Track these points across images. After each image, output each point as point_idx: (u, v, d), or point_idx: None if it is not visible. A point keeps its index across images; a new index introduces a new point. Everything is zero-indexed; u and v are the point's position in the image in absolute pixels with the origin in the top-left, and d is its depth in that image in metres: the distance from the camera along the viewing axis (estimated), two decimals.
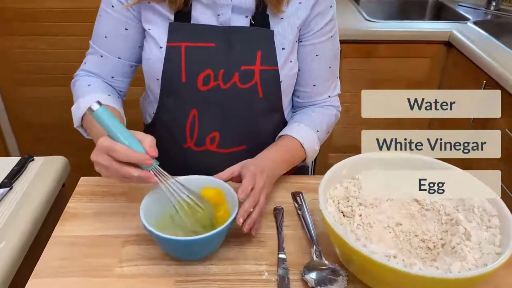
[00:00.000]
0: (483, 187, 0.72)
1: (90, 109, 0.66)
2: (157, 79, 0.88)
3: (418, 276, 0.55)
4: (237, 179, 0.78)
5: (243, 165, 0.78)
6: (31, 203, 0.81)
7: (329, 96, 0.98)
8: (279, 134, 0.93)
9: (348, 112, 1.88)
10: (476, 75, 1.52)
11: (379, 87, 1.82)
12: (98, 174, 0.90)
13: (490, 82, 1.44)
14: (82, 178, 0.90)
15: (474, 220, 0.68)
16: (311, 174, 1.99)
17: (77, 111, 0.85)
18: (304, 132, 0.91)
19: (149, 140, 0.68)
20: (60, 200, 0.89)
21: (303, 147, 0.90)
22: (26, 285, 0.66)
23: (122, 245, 0.74)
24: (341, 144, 1.96)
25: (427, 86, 1.84)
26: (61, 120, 1.85)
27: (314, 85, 0.95)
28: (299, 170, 1.01)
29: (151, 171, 0.68)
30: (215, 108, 0.89)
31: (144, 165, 0.67)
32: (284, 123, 0.98)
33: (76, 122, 0.85)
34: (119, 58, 0.90)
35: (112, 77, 0.92)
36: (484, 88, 1.45)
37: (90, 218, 0.80)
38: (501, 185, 1.33)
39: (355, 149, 2.06)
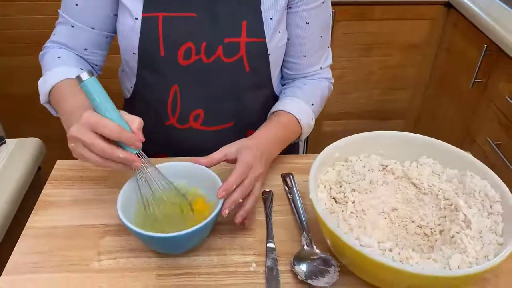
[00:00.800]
0: (484, 168, 0.67)
1: (78, 78, 0.59)
2: (134, 53, 0.80)
3: (414, 274, 0.51)
4: (233, 161, 0.71)
5: (239, 149, 0.70)
6: (4, 190, 0.76)
7: (321, 68, 0.91)
8: (272, 110, 0.86)
9: (342, 79, 1.82)
10: (476, 39, 1.45)
11: (374, 52, 1.75)
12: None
13: (491, 46, 1.37)
14: (58, 162, 0.84)
15: (475, 206, 0.64)
16: (304, 144, 1.95)
17: (43, 85, 0.77)
18: (299, 107, 0.85)
19: (137, 122, 0.63)
20: (36, 185, 0.84)
21: (299, 122, 0.84)
22: None
23: (101, 236, 0.70)
24: (335, 111, 1.90)
25: (425, 51, 1.76)
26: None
27: (304, 56, 0.88)
28: (290, 147, 0.96)
29: (135, 154, 0.62)
30: (198, 84, 0.83)
31: (132, 146, 0.62)
32: (274, 97, 0.92)
33: (42, 98, 0.78)
34: (92, 28, 0.82)
35: (86, 50, 0.85)
36: (485, 53, 1.38)
37: (67, 207, 0.75)
38: (502, 157, 1.30)
39: (350, 116, 2.02)
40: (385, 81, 1.85)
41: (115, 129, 0.59)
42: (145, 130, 0.90)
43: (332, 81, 0.95)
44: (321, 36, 0.87)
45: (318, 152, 0.87)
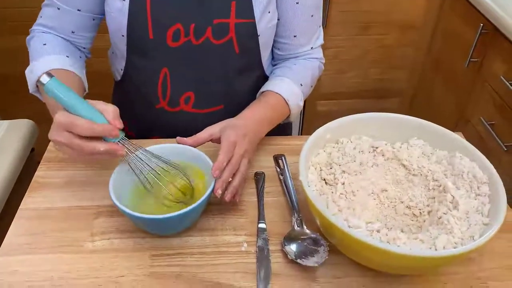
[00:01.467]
0: (473, 150, 0.68)
1: (39, 82, 0.59)
2: (122, 35, 0.80)
3: (401, 254, 0.52)
4: (218, 141, 0.73)
5: (223, 128, 0.71)
6: None
7: (312, 48, 0.90)
8: (261, 90, 0.86)
9: (338, 57, 1.80)
10: (473, 18, 1.44)
11: (370, 31, 1.74)
12: None
13: (487, 25, 1.36)
14: (51, 143, 0.84)
15: (463, 187, 0.65)
16: (299, 125, 1.95)
17: (30, 75, 0.77)
18: (288, 87, 0.85)
19: (111, 111, 0.62)
20: (30, 167, 0.84)
21: (287, 103, 0.84)
22: None
23: (94, 217, 0.71)
24: (330, 91, 1.89)
25: (422, 30, 1.75)
26: None
27: (295, 36, 0.87)
28: (282, 128, 0.96)
29: (118, 143, 0.63)
30: (187, 66, 0.82)
31: (110, 137, 0.61)
32: (265, 79, 0.91)
33: (31, 88, 0.78)
34: (78, 10, 0.81)
35: (73, 32, 0.83)
36: (481, 32, 1.37)
37: (60, 188, 0.75)
38: (495, 137, 1.30)
39: (345, 96, 2.01)
40: (381, 61, 1.83)
41: (85, 125, 0.59)
42: (137, 112, 0.91)
43: (323, 61, 0.95)
44: (312, 16, 0.86)
45: (309, 132, 0.88)
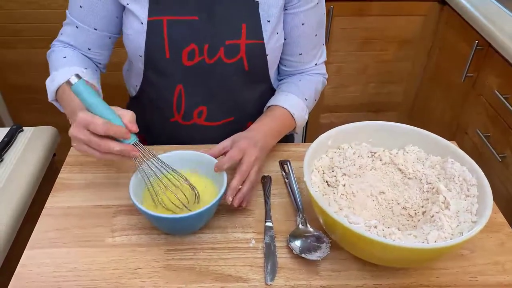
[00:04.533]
0: (463, 155, 0.73)
1: (68, 82, 0.65)
2: (140, 56, 0.86)
3: (395, 246, 0.57)
4: None
5: (234, 139, 0.78)
6: (23, 175, 0.83)
7: (316, 64, 0.97)
8: (268, 104, 0.92)
9: (340, 72, 1.88)
10: (468, 35, 1.51)
11: (370, 47, 1.81)
12: None
13: (482, 42, 1.43)
14: (72, 149, 0.90)
15: (454, 189, 0.70)
16: (303, 135, 2.02)
17: (50, 84, 0.82)
18: (293, 101, 0.91)
19: (129, 115, 0.67)
20: (52, 170, 0.90)
21: (293, 116, 0.90)
22: (22, 256, 0.69)
23: (113, 215, 0.76)
24: (332, 104, 1.96)
25: (419, 46, 1.82)
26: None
27: (300, 54, 0.94)
28: (285, 138, 1.02)
29: (132, 144, 0.68)
30: (201, 83, 0.89)
31: (123, 139, 0.66)
32: (271, 90, 0.98)
33: (50, 96, 0.83)
34: (95, 29, 0.87)
35: (89, 49, 0.90)
36: (476, 48, 1.44)
37: (82, 189, 0.81)
38: (491, 148, 1.36)
39: (346, 109, 2.07)
40: (380, 75, 1.91)
41: (102, 125, 0.64)
42: (152, 126, 0.97)
43: (326, 76, 1.01)
44: (316, 35, 0.93)
45: (311, 140, 0.94)
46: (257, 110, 0.94)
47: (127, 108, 1.04)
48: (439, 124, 1.76)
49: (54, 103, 0.85)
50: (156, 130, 0.96)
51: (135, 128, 0.67)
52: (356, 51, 1.82)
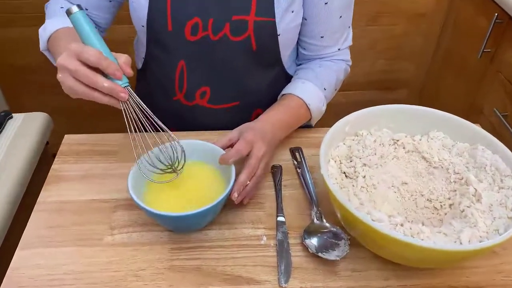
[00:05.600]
0: (496, 142, 0.67)
1: (68, 11, 0.58)
2: (143, 26, 0.79)
3: (426, 248, 0.51)
4: None
5: (242, 130, 0.71)
6: (13, 166, 0.76)
7: (339, 49, 0.87)
8: (282, 93, 0.84)
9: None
10: (486, 8, 1.42)
11: (379, 21, 1.72)
12: (85, 129, 0.85)
13: (501, 15, 1.34)
14: (66, 136, 0.84)
15: (486, 180, 0.64)
16: None
17: (43, 33, 0.77)
18: (310, 91, 0.83)
19: (124, 57, 0.60)
20: (45, 159, 0.84)
21: (308, 107, 0.82)
22: (13, 257, 0.63)
23: (112, 210, 0.70)
24: None
25: (432, 20, 1.72)
26: (46, 62, 1.75)
27: (322, 37, 0.84)
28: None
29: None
30: (205, 60, 0.81)
31: (114, 76, 0.59)
32: (286, 76, 0.90)
33: (42, 45, 0.78)
34: None
35: (87, 9, 0.83)
36: (495, 21, 1.35)
37: (77, 181, 0.75)
38: (509, 128, 1.29)
39: (353, 87, 1.99)
40: (390, 51, 1.82)
41: (95, 54, 0.57)
42: (156, 103, 0.91)
43: (350, 63, 0.92)
44: (340, 17, 0.82)
45: (321, 124, 0.87)
46: (266, 97, 0.87)
47: (136, 83, 0.99)
48: (452, 103, 1.68)
49: (45, 53, 0.80)
50: (159, 107, 0.90)
51: (129, 70, 0.60)
52: (365, 26, 1.73)
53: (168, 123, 0.90)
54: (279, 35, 0.79)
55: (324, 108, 0.86)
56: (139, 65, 0.92)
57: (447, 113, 0.72)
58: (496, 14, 1.34)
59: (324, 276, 0.62)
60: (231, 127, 0.82)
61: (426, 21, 1.73)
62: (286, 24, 0.79)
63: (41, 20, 0.81)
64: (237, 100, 0.87)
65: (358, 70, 1.87)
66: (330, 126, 0.68)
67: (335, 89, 0.89)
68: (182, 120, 0.88)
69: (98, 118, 1.75)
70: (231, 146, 0.70)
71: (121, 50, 0.62)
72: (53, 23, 0.77)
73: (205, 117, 0.87)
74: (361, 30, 1.74)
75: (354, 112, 0.71)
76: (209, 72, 0.83)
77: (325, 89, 0.85)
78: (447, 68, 1.74)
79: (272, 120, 0.76)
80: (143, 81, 0.94)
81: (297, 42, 0.88)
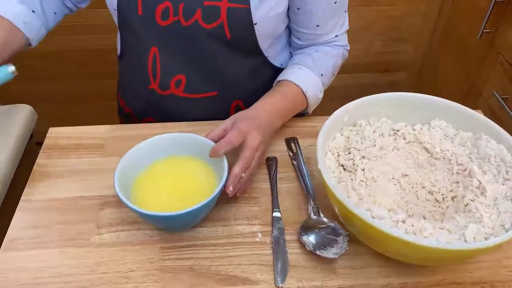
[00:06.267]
0: (501, 131, 0.64)
1: None
2: (114, 9, 0.76)
3: (429, 247, 0.48)
4: None
5: (236, 119, 0.67)
6: None
7: (336, 36, 0.83)
8: (278, 78, 0.80)
9: None
10: None
11: (377, 1, 1.67)
12: (66, 121, 0.81)
13: None
14: (51, 130, 0.80)
15: (490, 171, 0.61)
16: None
17: None
18: (307, 77, 0.78)
19: None
20: (30, 154, 0.80)
21: (305, 95, 0.78)
22: None
23: (100, 208, 0.67)
24: None
25: (430, 0, 1.68)
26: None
27: (317, 26, 0.79)
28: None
29: None
30: (177, 48, 0.77)
31: None
32: (268, 66, 0.85)
33: None
34: None
35: None
36: (495, 1, 1.31)
37: (63, 178, 0.72)
38: (509, 111, 1.26)
39: (349, 70, 1.94)
40: (386, 32, 1.77)
41: None
42: (134, 90, 0.87)
43: (348, 48, 0.87)
44: (335, 2, 0.77)
45: (317, 107, 0.83)
46: (247, 88, 0.82)
47: (118, 69, 0.95)
48: (450, 85, 1.65)
49: None
50: (138, 95, 0.87)
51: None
52: (360, 6, 1.68)
53: (147, 112, 0.87)
54: (255, 24, 0.74)
55: (321, 95, 0.82)
56: (118, 51, 0.89)
57: (449, 101, 0.68)
58: None
59: (322, 275, 0.59)
60: (210, 118, 0.78)
61: (425, 0, 1.68)
62: (264, 13, 0.73)
63: None
64: (214, 90, 0.82)
65: (353, 52, 1.81)
66: (326, 109, 0.64)
67: (333, 75, 0.85)
68: (158, 109, 0.85)
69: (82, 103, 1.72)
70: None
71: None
72: None
73: (181, 107, 0.83)
74: (357, 10, 1.69)
75: (353, 101, 0.67)
76: (184, 60, 0.79)
77: (322, 75, 0.81)
78: (446, 50, 1.70)
79: (268, 107, 0.72)
80: (122, 67, 0.91)
81: (291, 32, 0.84)
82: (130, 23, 0.77)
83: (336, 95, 2.02)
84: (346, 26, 0.85)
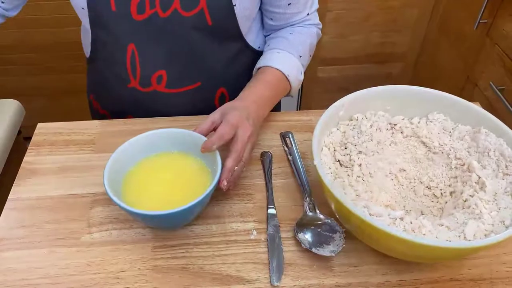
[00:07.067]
0: (500, 125, 0.62)
1: None
2: (83, 8, 0.72)
3: (428, 245, 0.47)
4: None
5: (223, 112, 0.65)
6: None
7: (308, 14, 0.82)
8: (257, 65, 0.78)
9: (339, 21, 1.71)
10: None
11: None
12: (55, 117, 0.79)
13: None
14: (39, 125, 0.78)
15: (489, 166, 0.60)
16: (298, 94, 1.88)
17: None
18: (287, 61, 0.77)
19: None
20: (17, 151, 0.78)
21: (287, 78, 0.76)
22: None
23: (90, 206, 0.65)
24: (330, 56, 1.81)
25: None
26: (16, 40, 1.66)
27: (289, 4, 0.78)
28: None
29: None
30: (156, 42, 0.75)
31: None
32: (249, 50, 0.83)
33: None
34: None
35: None
36: None
37: (52, 175, 0.70)
38: (505, 102, 1.25)
39: (346, 61, 1.92)
40: (384, 23, 1.75)
41: None
42: (110, 91, 0.85)
43: (320, 26, 0.86)
44: None
45: (314, 101, 0.82)
46: (230, 75, 0.81)
47: (87, 73, 0.91)
48: (447, 76, 1.63)
49: None
50: (115, 96, 0.84)
51: None
52: None
53: (126, 111, 0.85)
54: (234, 5, 0.72)
55: (302, 77, 0.81)
56: (87, 53, 0.84)
57: (447, 94, 0.67)
58: None
59: (319, 273, 0.58)
60: (194, 111, 0.76)
61: None
62: None
63: None
64: (197, 81, 0.80)
65: (351, 43, 1.80)
66: (322, 101, 0.63)
67: (310, 55, 0.84)
68: (139, 107, 0.82)
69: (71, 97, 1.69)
70: (214, 129, 0.64)
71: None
72: None
73: (165, 103, 0.81)
74: (355, 1, 1.67)
75: (349, 95, 0.65)
76: (163, 54, 0.76)
77: (300, 57, 0.79)
78: (442, 40, 1.68)
79: (253, 97, 0.70)
80: (93, 69, 0.87)
81: (262, 12, 0.82)
82: (103, 21, 0.73)
83: (334, 87, 2.01)
84: (316, 5, 0.84)
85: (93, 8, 0.72)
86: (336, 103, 0.64)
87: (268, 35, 0.85)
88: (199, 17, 0.72)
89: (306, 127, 0.77)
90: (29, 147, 0.74)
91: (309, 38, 0.82)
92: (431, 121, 0.67)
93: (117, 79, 0.81)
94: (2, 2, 0.78)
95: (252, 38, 0.83)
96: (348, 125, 0.66)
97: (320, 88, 1.90)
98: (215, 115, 0.65)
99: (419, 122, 0.67)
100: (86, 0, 0.71)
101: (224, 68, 0.81)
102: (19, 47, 1.65)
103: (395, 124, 0.66)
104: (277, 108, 0.94)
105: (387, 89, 0.68)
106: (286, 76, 0.76)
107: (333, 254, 0.57)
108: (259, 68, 0.78)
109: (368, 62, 1.86)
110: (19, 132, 0.81)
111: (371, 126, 0.65)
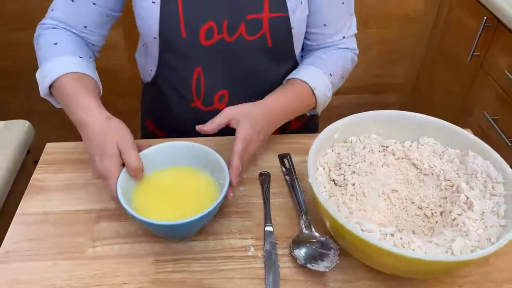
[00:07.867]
0: (487, 148, 0.66)
1: None
2: (154, 38, 0.77)
3: (417, 259, 0.50)
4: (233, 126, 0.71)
5: (241, 118, 0.69)
6: None
7: (344, 37, 0.86)
8: (287, 78, 0.82)
9: None
10: (476, 11, 1.42)
11: (370, 24, 1.71)
12: (66, 137, 0.82)
13: (490, 18, 1.34)
14: (48, 145, 0.81)
15: (477, 187, 0.63)
16: None
17: (42, 80, 0.72)
18: (315, 75, 0.80)
19: None
20: (26, 170, 0.81)
21: (313, 92, 0.79)
22: None
23: (95, 222, 0.68)
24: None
25: (422, 23, 1.72)
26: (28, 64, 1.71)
27: (324, 25, 0.82)
28: (307, 124, 0.94)
29: None
30: (221, 64, 0.80)
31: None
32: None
33: (42, 91, 0.73)
34: (94, 4, 0.77)
35: (85, 27, 0.79)
36: (484, 25, 1.35)
37: (59, 191, 0.73)
38: (500, 132, 1.28)
39: (345, 91, 1.96)
40: (381, 55, 1.81)
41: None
42: (172, 111, 0.89)
43: (357, 52, 0.89)
44: (343, 3, 0.81)
45: (315, 129, 0.84)
46: None
47: (142, 95, 0.97)
48: (442, 106, 1.68)
49: (48, 98, 0.75)
50: (176, 117, 0.88)
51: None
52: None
53: (187, 131, 0.88)
54: (292, 28, 0.78)
55: (330, 94, 0.84)
56: (147, 78, 0.89)
57: (437, 119, 0.70)
58: (485, 17, 1.34)
59: None
60: None
61: (417, 23, 1.72)
62: (299, 16, 0.78)
63: (21, 23, 0.78)
64: (253, 99, 0.83)
65: (350, 74, 1.85)
66: (323, 128, 0.66)
67: (342, 77, 0.87)
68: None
69: None
70: (228, 125, 0.70)
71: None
72: (52, 69, 0.71)
73: None
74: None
75: (343, 118, 0.69)
76: (226, 75, 0.81)
77: (331, 75, 0.82)
78: (438, 72, 1.74)
79: (276, 105, 0.75)
80: (154, 92, 0.91)
81: None
82: (173, 47, 0.78)
83: (335, 115, 2.04)
84: (354, 30, 0.87)
85: (165, 37, 0.77)
86: (331, 125, 0.67)
87: (305, 55, 0.90)
88: (261, 40, 0.77)
89: (304, 149, 0.80)
90: (37, 166, 0.77)
91: (341, 60, 0.86)
92: (422, 145, 0.70)
93: (180, 100, 0.85)
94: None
95: (300, 60, 0.88)
96: (342, 146, 0.69)
97: (322, 117, 1.94)
98: (233, 115, 0.70)
99: (410, 145, 0.70)
100: (158, 30, 0.75)
101: (276, 87, 0.84)
102: (32, 69, 1.69)
103: (387, 147, 0.69)
104: (314, 128, 1.00)
105: (380, 113, 0.71)
106: (312, 89, 0.79)
107: (327, 270, 0.59)
108: (288, 80, 0.82)
109: (365, 92, 1.91)
110: (28, 151, 0.84)
111: (364, 147, 0.68)
